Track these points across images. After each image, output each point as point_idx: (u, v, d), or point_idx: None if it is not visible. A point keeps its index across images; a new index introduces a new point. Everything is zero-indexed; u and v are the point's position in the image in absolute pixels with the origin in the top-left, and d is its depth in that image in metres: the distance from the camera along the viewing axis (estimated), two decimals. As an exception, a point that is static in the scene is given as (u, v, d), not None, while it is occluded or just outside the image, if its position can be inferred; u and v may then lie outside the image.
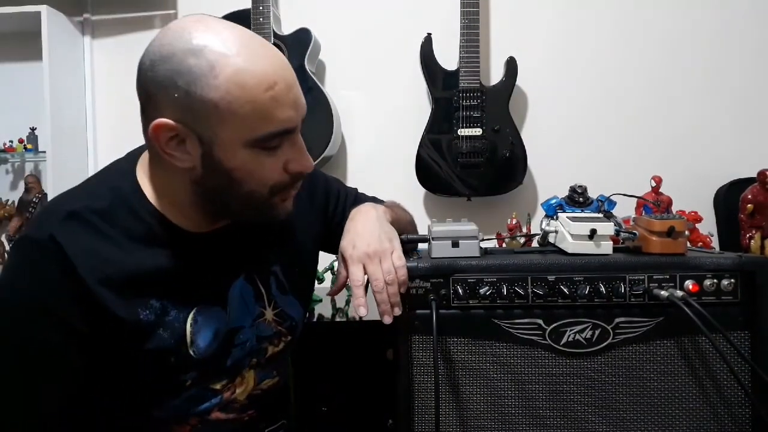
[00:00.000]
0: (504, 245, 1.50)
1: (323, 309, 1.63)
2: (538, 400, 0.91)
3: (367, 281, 0.90)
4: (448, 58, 1.90)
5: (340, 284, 0.98)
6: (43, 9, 1.89)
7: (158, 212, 0.83)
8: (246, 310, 0.90)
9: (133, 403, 0.85)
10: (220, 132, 0.75)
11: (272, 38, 1.86)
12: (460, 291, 0.91)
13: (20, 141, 2.03)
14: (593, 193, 1.13)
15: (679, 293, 0.87)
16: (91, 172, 1.63)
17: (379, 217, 0.98)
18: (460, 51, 1.86)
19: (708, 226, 1.71)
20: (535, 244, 1.15)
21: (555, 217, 1.07)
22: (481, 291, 0.91)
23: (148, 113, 0.77)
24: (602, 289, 0.90)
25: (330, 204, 1.07)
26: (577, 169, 1.88)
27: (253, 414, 0.94)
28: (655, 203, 1.59)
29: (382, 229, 0.95)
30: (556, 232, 1.02)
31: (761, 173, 1.67)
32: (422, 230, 1.08)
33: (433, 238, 0.97)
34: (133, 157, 0.88)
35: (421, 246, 1.03)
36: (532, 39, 1.98)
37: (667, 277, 0.91)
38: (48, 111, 1.89)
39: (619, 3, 1.96)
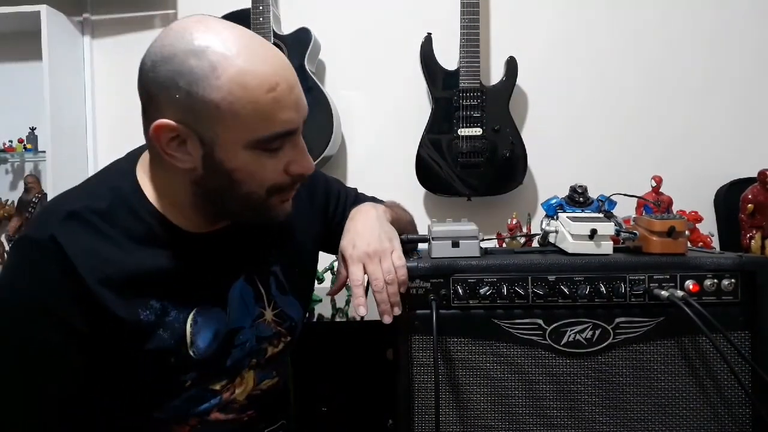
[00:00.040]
0: (504, 245, 1.50)
1: (323, 309, 1.63)
2: (539, 400, 0.91)
3: (368, 281, 0.90)
4: (448, 58, 1.90)
5: (340, 284, 0.98)
6: (43, 9, 1.89)
7: (158, 212, 0.83)
8: (246, 311, 0.90)
9: (133, 403, 0.85)
10: (222, 133, 0.75)
11: (272, 38, 1.86)
12: (460, 291, 0.91)
13: (20, 141, 2.04)
14: (593, 193, 1.13)
15: (680, 293, 0.87)
16: (91, 172, 1.63)
17: (379, 217, 0.98)
18: (460, 51, 1.85)
19: (708, 226, 1.71)
20: (535, 244, 1.15)
21: (555, 217, 1.07)
22: (482, 291, 0.91)
23: (149, 114, 0.77)
24: (602, 289, 0.90)
25: (330, 204, 1.07)
26: (577, 169, 1.88)
27: (252, 414, 0.94)
28: (655, 203, 1.59)
29: (382, 228, 0.95)
30: (557, 232, 1.02)
31: (761, 173, 1.67)
32: (422, 230, 1.08)
33: (433, 238, 0.97)
34: (133, 157, 0.88)
35: (421, 246, 1.03)
36: (532, 39, 1.98)
37: (668, 277, 0.90)
38: (48, 111, 1.89)
39: (619, 3, 1.96)
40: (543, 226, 1.06)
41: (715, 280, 0.90)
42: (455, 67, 1.88)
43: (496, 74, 1.97)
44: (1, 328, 0.78)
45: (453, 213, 1.63)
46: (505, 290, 0.91)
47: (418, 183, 1.90)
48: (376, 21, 2.03)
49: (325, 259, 1.17)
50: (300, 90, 0.79)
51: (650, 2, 1.95)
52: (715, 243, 1.73)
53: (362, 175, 2.04)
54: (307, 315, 1.09)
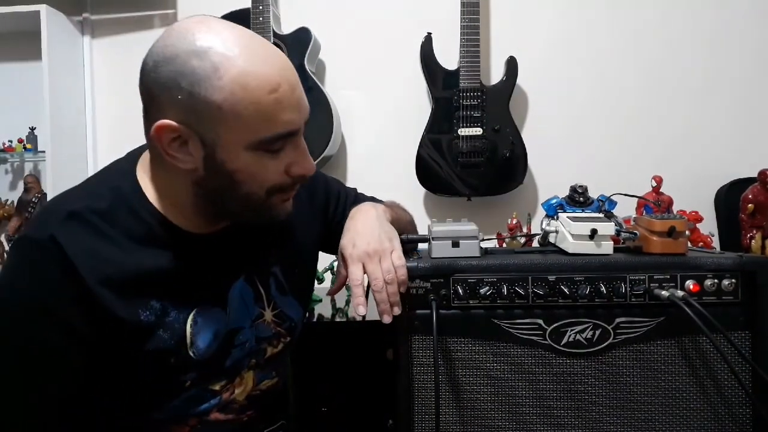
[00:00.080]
0: (504, 245, 1.50)
1: (323, 309, 1.63)
2: (540, 400, 0.91)
3: (368, 281, 0.90)
4: (448, 57, 1.90)
5: (340, 283, 0.98)
6: (43, 8, 1.89)
7: (159, 213, 0.83)
8: (245, 311, 0.90)
9: (132, 403, 0.84)
10: (223, 134, 0.75)
11: (272, 38, 1.86)
12: (460, 291, 0.91)
13: (20, 141, 2.03)
14: (594, 193, 1.13)
15: (680, 293, 0.87)
16: (91, 172, 1.63)
17: (379, 216, 0.98)
18: (460, 50, 1.85)
19: (709, 226, 1.72)
20: (535, 244, 1.15)
21: (555, 217, 1.06)
22: (482, 291, 0.91)
23: (150, 114, 0.77)
24: (603, 289, 0.90)
25: (330, 205, 1.07)
26: (577, 169, 1.88)
27: (252, 415, 0.94)
28: (655, 203, 1.59)
29: (382, 228, 0.95)
30: (557, 232, 1.02)
31: (762, 173, 1.67)
32: (422, 230, 1.08)
33: (433, 238, 0.97)
34: (133, 157, 0.88)
35: (422, 246, 1.03)
36: (533, 39, 1.97)
37: (668, 277, 0.90)
38: (47, 111, 1.89)
39: (619, 3, 1.96)
40: (543, 226, 1.06)
41: (716, 280, 0.90)
42: (455, 67, 1.88)
43: (496, 74, 1.97)
44: (1, 328, 0.78)
45: (453, 213, 1.63)
46: (505, 290, 0.91)
47: (418, 183, 1.90)
48: (375, 21, 2.03)
49: (325, 259, 1.17)
50: (302, 91, 0.79)
51: (650, 2, 1.95)
52: (716, 243, 1.73)
53: (362, 175, 2.04)
54: (306, 315, 1.09)
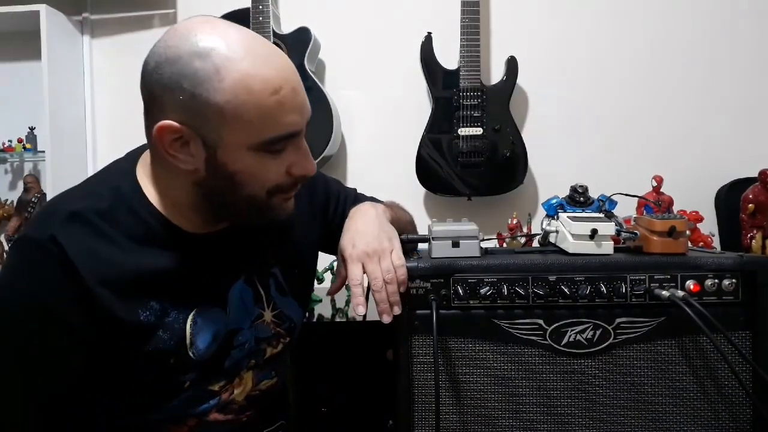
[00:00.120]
0: (504, 245, 1.50)
1: (323, 309, 1.62)
2: (539, 400, 0.91)
3: (368, 281, 0.90)
4: (449, 57, 1.90)
5: (339, 283, 0.98)
6: (42, 8, 1.88)
7: (159, 213, 0.83)
8: (245, 312, 0.90)
9: (132, 403, 0.84)
10: (225, 135, 0.75)
11: (272, 37, 1.86)
12: (460, 291, 0.91)
13: (19, 141, 2.03)
14: (594, 193, 1.13)
15: (680, 293, 0.87)
16: (91, 172, 1.63)
17: (378, 216, 0.98)
18: (460, 50, 1.85)
19: (709, 226, 1.71)
20: (535, 244, 1.15)
21: (556, 217, 1.06)
22: (482, 291, 0.91)
23: (152, 114, 0.77)
24: (603, 289, 0.90)
25: (330, 205, 1.07)
26: (577, 169, 1.88)
27: (251, 415, 0.94)
28: (656, 203, 1.59)
29: (382, 228, 0.95)
30: (557, 231, 1.02)
31: (762, 173, 1.67)
32: (422, 230, 1.08)
33: (433, 238, 0.96)
34: (133, 157, 0.88)
35: (422, 246, 1.03)
36: (533, 39, 1.97)
37: (668, 277, 0.90)
38: (47, 110, 1.89)
39: (619, 3, 1.96)
40: (543, 226, 1.06)
41: (716, 280, 0.90)
42: (455, 67, 1.88)
43: (496, 74, 1.97)
44: (1, 328, 0.78)
45: (453, 213, 1.63)
46: (505, 290, 0.91)
47: (418, 183, 1.90)
48: (375, 20, 2.02)
49: (325, 259, 1.17)
50: (303, 92, 0.79)
51: (650, 2, 1.95)
52: (716, 243, 1.73)
53: (362, 175, 2.04)
54: (306, 315, 1.09)
